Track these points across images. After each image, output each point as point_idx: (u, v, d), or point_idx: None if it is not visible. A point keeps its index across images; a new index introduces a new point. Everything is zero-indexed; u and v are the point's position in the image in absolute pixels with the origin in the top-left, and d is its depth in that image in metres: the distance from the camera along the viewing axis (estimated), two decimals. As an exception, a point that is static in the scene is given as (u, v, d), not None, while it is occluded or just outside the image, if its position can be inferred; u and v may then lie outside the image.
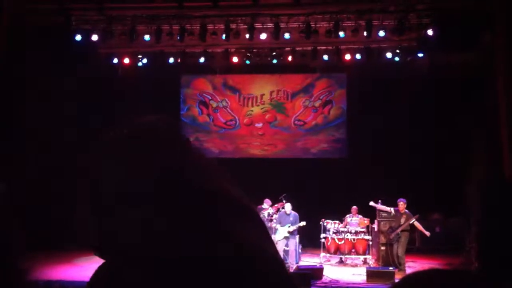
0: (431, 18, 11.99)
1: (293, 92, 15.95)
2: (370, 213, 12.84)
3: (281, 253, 10.91)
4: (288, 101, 15.97)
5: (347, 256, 12.69)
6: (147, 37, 12.83)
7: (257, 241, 1.02)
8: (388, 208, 11.97)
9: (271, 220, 12.18)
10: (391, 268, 10.67)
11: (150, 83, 14.64)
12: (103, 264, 1.06)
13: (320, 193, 13.86)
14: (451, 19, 11.79)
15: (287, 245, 11.78)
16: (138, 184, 0.98)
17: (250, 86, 16.10)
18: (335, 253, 12.81)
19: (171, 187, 0.98)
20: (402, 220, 11.64)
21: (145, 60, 13.85)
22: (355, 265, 12.37)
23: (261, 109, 16.03)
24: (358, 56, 13.32)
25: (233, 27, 12.62)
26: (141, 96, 14.08)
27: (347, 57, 13.33)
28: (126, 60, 13.82)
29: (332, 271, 11.34)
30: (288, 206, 12.09)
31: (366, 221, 12.88)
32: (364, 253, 12.62)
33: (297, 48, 13.50)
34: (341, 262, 12.75)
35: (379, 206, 12.20)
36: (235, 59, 13.70)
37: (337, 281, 10.47)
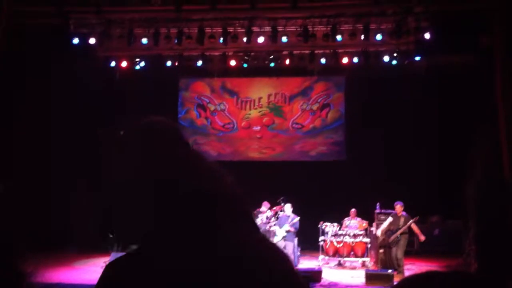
0: (429, 21, 12.00)
1: (291, 95, 15.97)
2: (368, 216, 12.85)
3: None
4: (286, 104, 15.98)
5: (345, 258, 12.68)
6: (145, 40, 12.82)
7: (254, 242, 1.02)
8: (388, 220, 11.90)
9: (269, 223, 12.18)
10: (389, 270, 10.67)
11: (148, 86, 14.64)
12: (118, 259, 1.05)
13: (319, 196, 13.86)
14: (449, 22, 11.81)
15: (284, 247, 11.78)
16: (138, 184, 0.98)
17: (248, 89, 16.11)
18: (333, 255, 12.80)
19: (171, 188, 0.98)
20: (401, 223, 11.65)
21: (143, 63, 13.83)
22: (354, 268, 12.37)
23: (259, 112, 16.04)
24: (355, 60, 13.33)
25: (231, 30, 12.63)
26: (139, 99, 14.07)
27: (345, 60, 13.34)
28: (124, 63, 13.80)
29: (330, 274, 11.33)
30: (288, 207, 12.10)
31: (365, 223, 12.89)
32: (362, 256, 12.62)
33: (295, 52, 13.50)
34: (339, 264, 12.74)
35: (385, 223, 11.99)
36: (233, 62, 13.71)
37: (336, 284, 10.46)
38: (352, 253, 12.68)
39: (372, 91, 14.33)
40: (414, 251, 13.38)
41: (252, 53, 13.61)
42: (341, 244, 12.60)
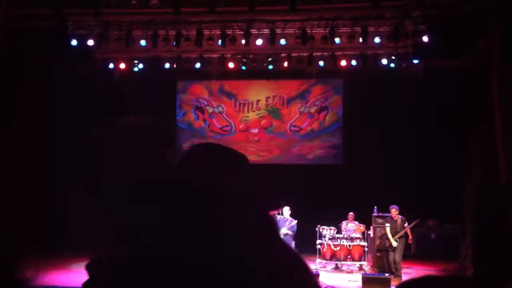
0: (427, 24, 12.03)
1: (289, 98, 15.97)
2: (365, 219, 12.84)
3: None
4: (284, 107, 15.98)
5: (343, 262, 12.67)
6: (143, 42, 12.83)
7: (256, 240, 1.01)
8: (387, 225, 11.86)
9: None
10: (386, 274, 10.66)
11: (146, 88, 14.62)
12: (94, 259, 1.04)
13: (316, 199, 13.84)
14: (446, 25, 11.85)
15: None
16: (136, 183, 0.97)
17: (246, 91, 16.11)
18: (331, 259, 12.78)
19: (169, 186, 0.97)
20: (398, 226, 11.65)
21: (141, 65, 13.83)
22: (351, 271, 12.35)
23: (257, 114, 16.03)
24: (354, 62, 13.35)
25: (229, 32, 12.64)
26: (137, 101, 14.06)
27: (343, 63, 13.36)
28: (122, 65, 13.80)
29: (327, 277, 11.32)
30: (285, 210, 12.09)
31: (362, 227, 12.88)
32: (360, 259, 12.60)
33: (293, 54, 13.52)
34: (336, 268, 12.73)
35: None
36: (231, 65, 13.71)
37: (333, 287, 10.45)
38: (349, 256, 12.67)
39: (370, 94, 14.34)
40: (411, 254, 13.38)
41: (251, 56, 13.62)
42: (338, 248, 12.59)
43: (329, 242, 12.69)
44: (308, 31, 12.48)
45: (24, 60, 11.94)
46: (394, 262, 11.45)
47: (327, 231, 12.89)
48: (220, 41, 12.69)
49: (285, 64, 13.67)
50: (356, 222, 13.03)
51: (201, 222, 0.97)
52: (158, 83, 14.83)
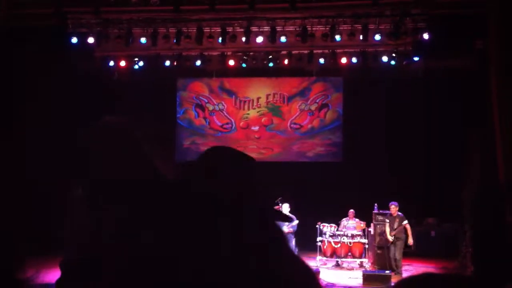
0: (427, 22, 12.03)
1: (289, 95, 15.96)
2: (365, 217, 12.85)
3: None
4: (284, 105, 15.98)
5: (343, 259, 12.69)
6: (143, 40, 12.81)
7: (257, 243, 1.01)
8: (387, 222, 11.89)
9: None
10: (387, 271, 10.68)
11: (147, 86, 14.62)
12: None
13: (316, 197, 13.85)
14: (446, 24, 11.83)
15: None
16: (117, 183, 0.97)
17: (247, 89, 16.10)
18: (331, 256, 12.80)
19: (151, 187, 0.97)
20: (396, 224, 11.67)
21: (141, 63, 13.81)
22: (351, 269, 12.37)
23: (258, 112, 16.03)
24: (354, 60, 13.34)
25: (230, 30, 12.63)
26: (137, 99, 14.06)
27: (343, 60, 13.34)
28: (123, 63, 13.77)
29: (328, 275, 11.34)
30: (286, 208, 12.09)
31: (363, 224, 12.89)
32: (360, 257, 12.62)
33: (294, 52, 13.50)
34: (337, 265, 12.75)
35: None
36: (231, 62, 13.70)
37: (333, 285, 10.46)
38: (349, 253, 12.68)
39: (370, 92, 14.33)
40: (411, 252, 13.40)
41: (251, 53, 13.60)
42: (339, 245, 12.60)
43: (330, 239, 12.70)
44: (309, 29, 12.47)
45: (24, 59, 11.92)
46: (395, 260, 11.47)
47: (328, 228, 12.90)
48: (220, 38, 12.68)
49: (286, 61, 13.65)
50: (357, 219, 13.04)
51: (201, 222, 0.97)
52: (159, 81, 14.82)
